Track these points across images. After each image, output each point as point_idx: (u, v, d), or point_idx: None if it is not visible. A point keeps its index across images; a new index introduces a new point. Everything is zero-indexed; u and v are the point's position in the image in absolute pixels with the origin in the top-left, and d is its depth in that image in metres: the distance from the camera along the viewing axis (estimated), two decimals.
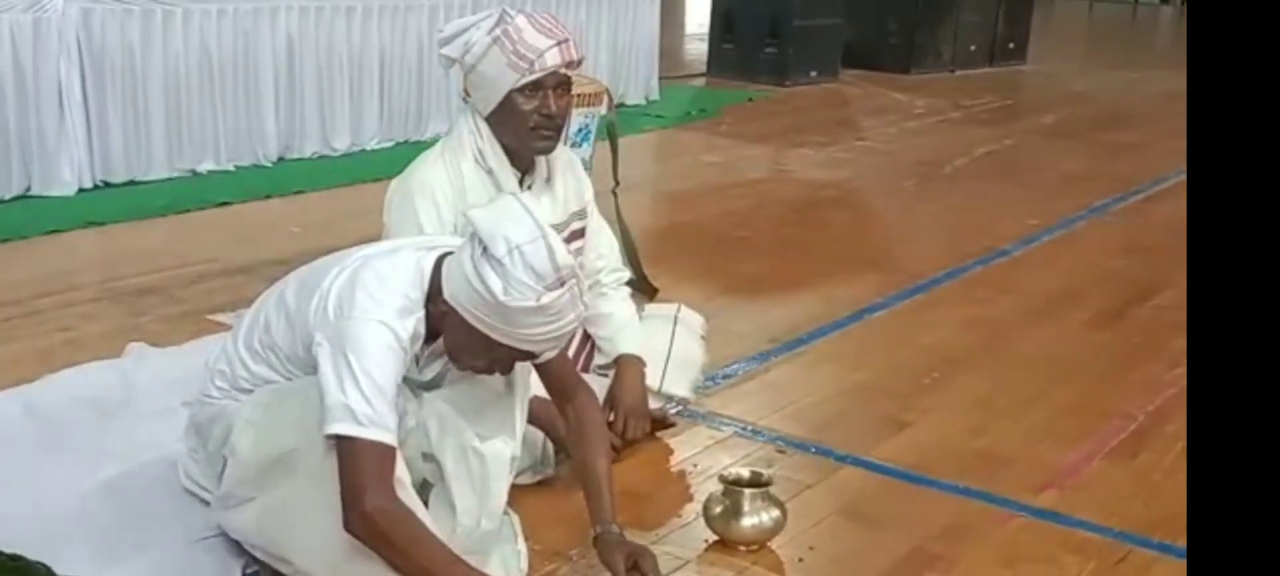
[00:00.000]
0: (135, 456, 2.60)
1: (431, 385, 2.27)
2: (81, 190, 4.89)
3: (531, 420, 2.67)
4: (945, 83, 9.31)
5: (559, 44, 2.55)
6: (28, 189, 4.80)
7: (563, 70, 2.57)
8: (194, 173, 5.28)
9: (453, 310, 2.06)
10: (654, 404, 2.87)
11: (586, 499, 2.31)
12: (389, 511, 1.98)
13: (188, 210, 4.77)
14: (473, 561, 2.08)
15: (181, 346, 3.29)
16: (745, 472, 2.54)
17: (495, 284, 1.98)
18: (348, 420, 1.98)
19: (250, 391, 2.25)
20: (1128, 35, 15.70)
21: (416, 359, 2.18)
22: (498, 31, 2.54)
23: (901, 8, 9.51)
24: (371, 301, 2.06)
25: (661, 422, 2.95)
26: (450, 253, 2.12)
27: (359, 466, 1.98)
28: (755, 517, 2.45)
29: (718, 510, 2.47)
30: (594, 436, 2.34)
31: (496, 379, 2.24)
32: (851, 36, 9.08)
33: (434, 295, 2.10)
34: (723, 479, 2.51)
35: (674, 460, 2.88)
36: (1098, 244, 5.05)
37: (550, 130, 2.61)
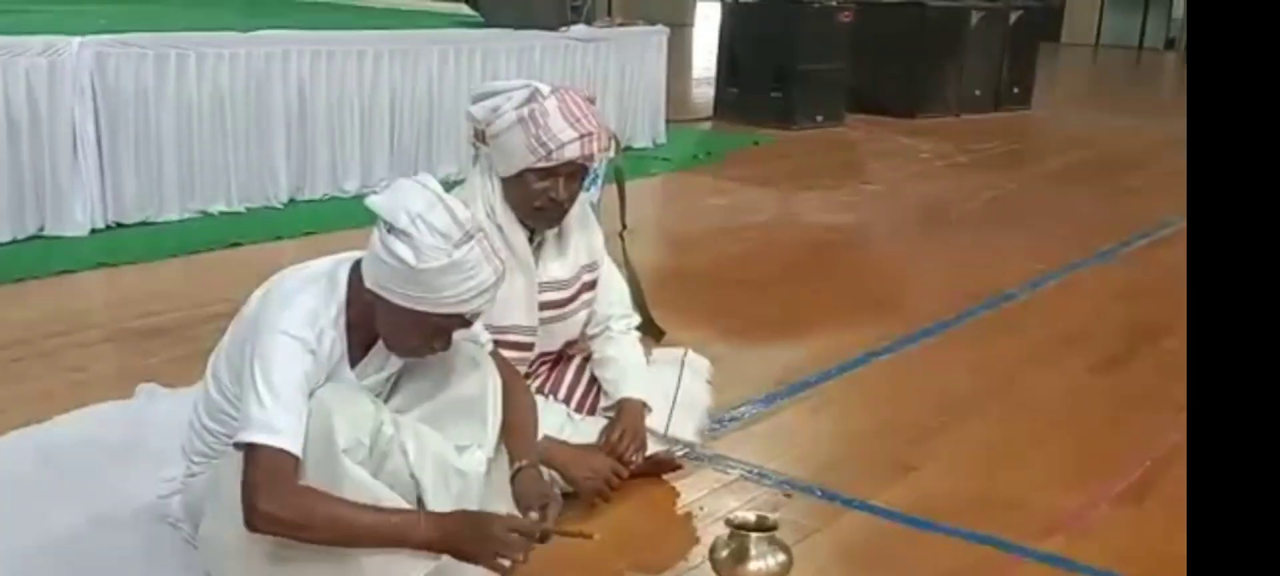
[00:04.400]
0: (144, 497, 2.60)
1: (397, 403, 2.31)
2: (94, 231, 4.93)
3: (542, 461, 2.69)
4: (950, 127, 9.35)
5: (582, 138, 2.59)
6: (41, 229, 4.84)
7: (581, 161, 2.61)
8: (205, 214, 5.32)
9: (378, 297, 2.14)
10: (660, 447, 2.89)
11: (507, 445, 2.36)
12: (281, 509, 2.05)
13: (199, 251, 4.80)
14: None
15: (192, 388, 3.30)
16: (751, 516, 2.53)
17: (407, 253, 2.08)
18: (247, 429, 2.07)
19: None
20: (1132, 80, 15.76)
21: (355, 370, 2.22)
22: (525, 111, 2.57)
23: (906, 53, 9.56)
24: (276, 313, 2.15)
25: (668, 465, 2.96)
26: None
27: (251, 470, 2.06)
28: (761, 561, 2.44)
29: (724, 554, 2.47)
30: (520, 402, 2.42)
31: (469, 386, 2.31)
32: (856, 81, 9.13)
33: (356, 295, 2.18)
34: (729, 522, 2.51)
35: (680, 503, 2.89)
36: (1103, 288, 5.06)
37: (555, 214, 2.67)
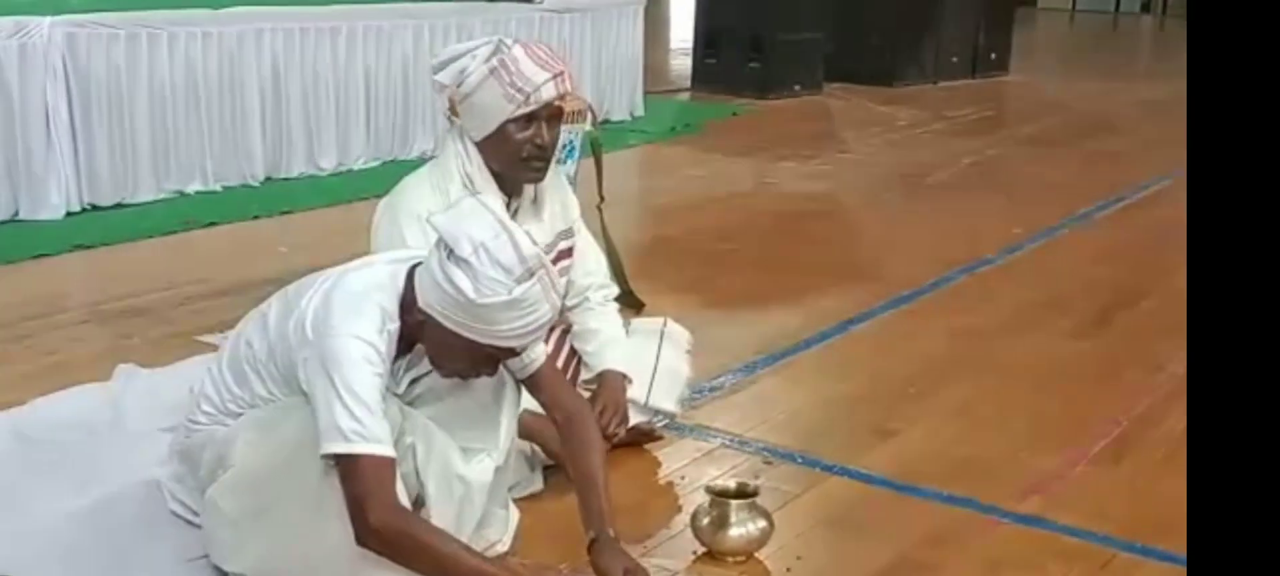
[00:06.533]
0: (124, 478, 2.60)
1: (414, 397, 2.29)
2: (69, 213, 4.89)
3: (522, 433, 2.70)
4: (928, 94, 9.36)
5: (555, 77, 2.59)
6: (15, 213, 4.80)
7: (557, 102, 2.61)
8: (181, 194, 5.29)
9: (429, 317, 2.09)
10: (641, 417, 2.90)
11: (581, 503, 2.30)
12: (391, 522, 2.03)
13: (175, 231, 4.78)
14: None
15: (170, 367, 3.30)
16: (732, 483, 2.56)
17: (466, 284, 2.02)
18: (338, 439, 2.02)
19: (239, 414, 2.27)
20: (1109, 45, 15.79)
21: (393, 370, 2.20)
22: (494, 61, 2.56)
23: (883, 21, 9.54)
24: (346, 318, 2.09)
25: (649, 435, 2.97)
26: (421, 262, 2.15)
27: (357, 483, 2.02)
28: (742, 528, 2.47)
29: (705, 521, 2.49)
30: (589, 441, 2.35)
31: (483, 390, 2.26)
32: (833, 50, 9.11)
33: (408, 305, 2.13)
34: (710, 490, 2.53)
35: (662, 472, 2.90)
36: (1081, 252, 5.09)
37: (541, 161, 2.65)
